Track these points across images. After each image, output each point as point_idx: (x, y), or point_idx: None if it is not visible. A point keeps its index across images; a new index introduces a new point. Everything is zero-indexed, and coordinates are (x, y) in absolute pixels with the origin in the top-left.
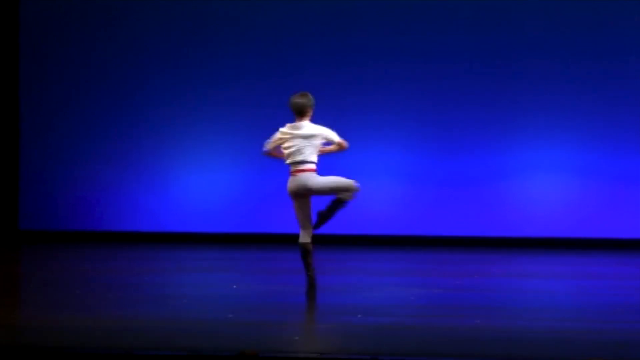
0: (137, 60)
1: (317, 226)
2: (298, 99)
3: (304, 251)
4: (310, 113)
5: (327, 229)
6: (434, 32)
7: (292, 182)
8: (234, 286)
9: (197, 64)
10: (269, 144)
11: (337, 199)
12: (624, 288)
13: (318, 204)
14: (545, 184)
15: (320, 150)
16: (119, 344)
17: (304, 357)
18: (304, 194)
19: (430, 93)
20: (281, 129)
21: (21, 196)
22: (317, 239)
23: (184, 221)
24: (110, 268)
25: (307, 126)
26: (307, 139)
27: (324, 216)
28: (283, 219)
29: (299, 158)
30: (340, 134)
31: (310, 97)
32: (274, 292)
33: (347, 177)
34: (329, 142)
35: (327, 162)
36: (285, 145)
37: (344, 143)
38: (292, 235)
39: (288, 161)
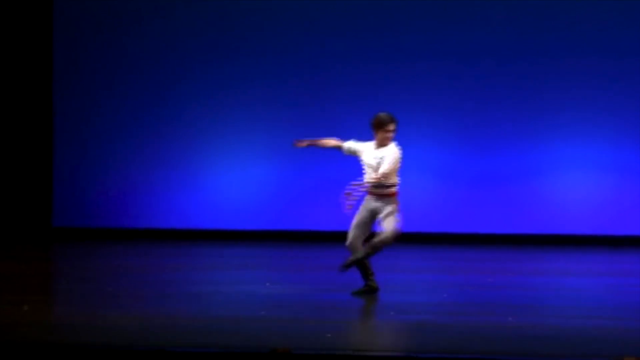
0: (168, 60)
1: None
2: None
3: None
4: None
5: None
6: (468, 31)
7: None
8: (267, 284)
9: (229, 62)
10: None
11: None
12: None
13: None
14: (578, 182)
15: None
16: (152, 341)
17: (336, 354)
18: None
19: (464, 92)
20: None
21: (55, 194)
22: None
23: (215, 218)
24: (142, 265)
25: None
26: None
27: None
28: (315, 216)
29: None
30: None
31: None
32: (305, 289)
33: None
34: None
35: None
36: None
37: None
38: (324, 233)
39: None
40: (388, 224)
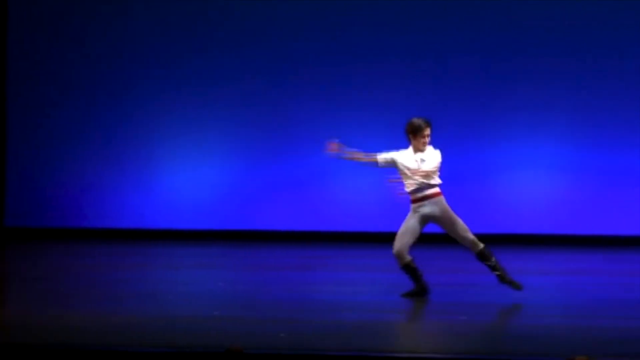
0: (122, 60)
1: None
2: None
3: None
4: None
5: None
6: (434, 29)
7: None
8: (220, 283)
9: (181, 63)
10: None
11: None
12: (610, 285)
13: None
14: (532, 181)
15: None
16: (105, 341)
17: (289, 354)
18: None
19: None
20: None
21: (7, 193)
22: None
23: (169, 218)
24: (96, 265)
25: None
26: None
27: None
28: (269, 216)
29: None
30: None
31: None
32: (259, 289)
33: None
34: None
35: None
36: None
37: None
38: (278, 232)
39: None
40: (463, 233)
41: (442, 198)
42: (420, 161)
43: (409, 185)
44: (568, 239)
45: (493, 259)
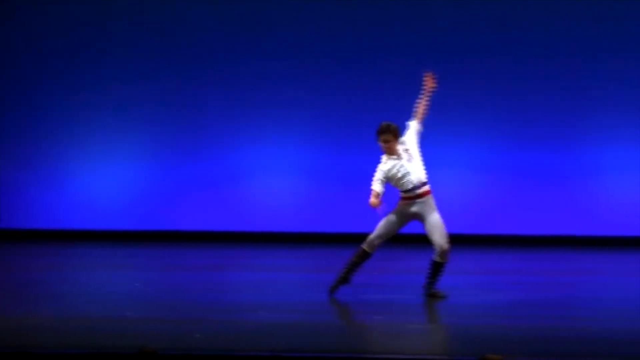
0: (33, 59)
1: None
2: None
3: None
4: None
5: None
6: (498, 29)
7: None
8: (135, 284)
9: (95, 62)
10: None
11: None
12: (525, 284)
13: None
14: (450, 180)
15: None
16: (19, 342)
17: (204, 355)
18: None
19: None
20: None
21: None
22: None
23: (83, 218)
24: (6, 266)
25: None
26: None
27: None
28: (182, 216)
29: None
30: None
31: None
32: (174, 289)
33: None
34: None
35: None
36: None
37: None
38: (192, 233)
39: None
40: (440, 238)
41: (430, 198)
42: (406, 153)
43: (405, 185)
44: (484, 239)
45: (439, 276)
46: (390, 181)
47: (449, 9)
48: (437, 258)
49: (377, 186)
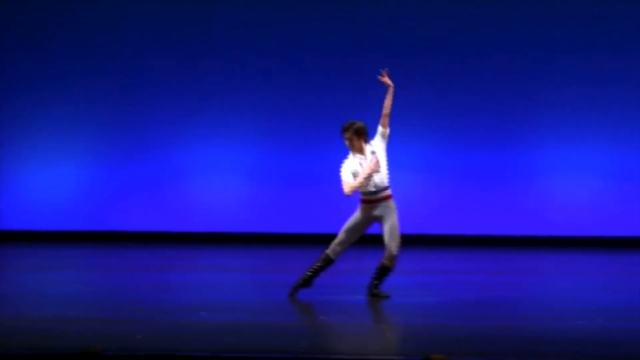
0: None
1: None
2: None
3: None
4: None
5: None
6: (459, 29)
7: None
8: (77, 285)
9: (44, 60)
10: None
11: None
12: (471, 284)
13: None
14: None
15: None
16: None
17: (146, 355)
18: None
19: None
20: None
21: None
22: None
23: (26, 219)
24: None
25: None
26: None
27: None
28: (128, 216)
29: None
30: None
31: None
32: (116, 290)
33: None
34: None
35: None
36: None
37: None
38: (136, 233)
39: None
40: (392, 243)
41: (391, 202)
42: (373, 155)
43: (365, 187)
44: (427, 239)
45: (384, 279)
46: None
47: (392, 10)
48: (385, 261)
49: (348, 177)
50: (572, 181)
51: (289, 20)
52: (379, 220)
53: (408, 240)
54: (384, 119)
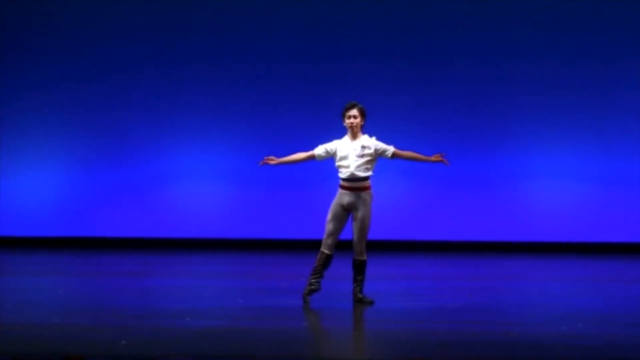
0: None
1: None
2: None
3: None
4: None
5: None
6: (446, 33)
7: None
8: (60, 290)
9: (20, 66)
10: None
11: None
12: (448, 289)
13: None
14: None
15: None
16: None
17: None
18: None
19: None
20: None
21: None
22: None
23: (7, 225)
24: None
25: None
26: None
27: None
28: (107, 222)
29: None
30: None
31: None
32: (99, 296)
33: None
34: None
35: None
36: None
37: None
38: (116, 239)
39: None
40: (356, 237)
41: (369, 193)
42: (362, 149)
43: (342, 172)
44: (408, 245)
45: (363, 276)
46: (333, 156)
47: (376, 14)
48: (355, 256)
49: (318, 150)
50: (556, 187)
51: (272, 25)
52: (352, 209)
53: (392, 246)
54: (400, 154)
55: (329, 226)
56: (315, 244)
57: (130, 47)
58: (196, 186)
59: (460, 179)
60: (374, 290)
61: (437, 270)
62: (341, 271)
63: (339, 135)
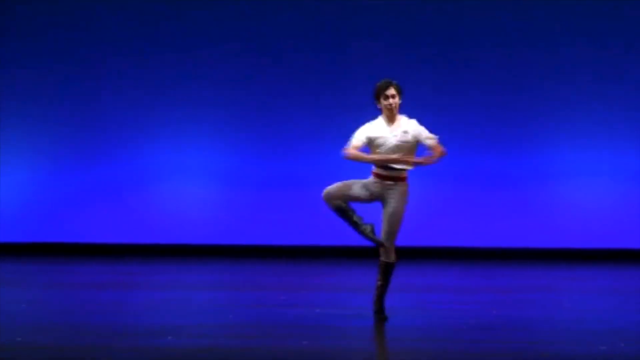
0: None
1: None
2: None
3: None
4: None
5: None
6: (468, 26)
7: None
8: (23, 305)
9: None
10: None
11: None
12: (471, 303)
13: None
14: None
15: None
16: None
17: None
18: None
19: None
20: None
21: None
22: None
23: None
24: None
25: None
26: None
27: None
28: (80, 227)
29: None
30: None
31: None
32: (67, 310)
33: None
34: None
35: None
36: None
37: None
38: (86, 245)
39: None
40: (385, 233)
41: (404, 185)
42: (402, 134)
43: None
44: (424, 252)
45: (384, 282)
46: (368, 145)
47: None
48: (381, 256)
49: (359, 137)
50: (591, 186)
51: (266, 14)
52: (381, 200)
53: (402, 254)
54: (433, 150)
55: (347, 183)
56: (317, 251)
57: (104, 22)
58: (182, 186)
59: (481, 177)
60: (387, 304)
61: (455, 281)
62: (349, 281)
63: (341, 125)
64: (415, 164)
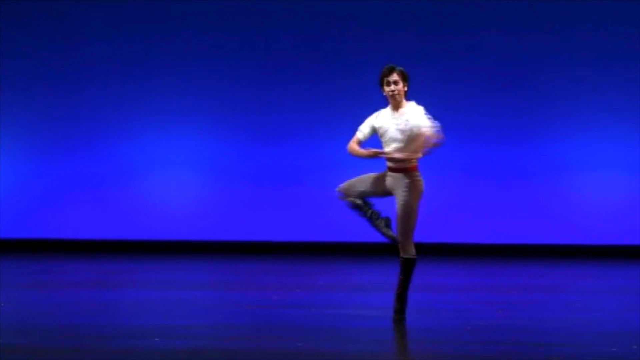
0: None
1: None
2: None
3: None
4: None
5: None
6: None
7: None
8: (1, 304)
9: None
10: None
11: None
12: (480, 303)
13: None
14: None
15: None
16: None
17: None
18: None
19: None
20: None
21: None
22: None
23: None
24: None
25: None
26: None
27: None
28: (62, 222)
29: None
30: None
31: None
32: (48, 310)
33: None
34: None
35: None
36: None
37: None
38: (73, 242)
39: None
40: (399, 227)
41: (414, 176)
42: (406, 121)
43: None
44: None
45: (405, 276)
46: (377, 132)
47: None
48: (400, 252)
49: (364, 129)
50: (608, 179)
51: (259, 4)
52: (393, 193)
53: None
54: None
55: (361, 178)
56: (313, 248)
57: (88, 13)
58: (169, 178)
59: (492, 170)
60: (391, 304)
61: (463, 279)
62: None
63: (338, 119)
64: (406, 157)
